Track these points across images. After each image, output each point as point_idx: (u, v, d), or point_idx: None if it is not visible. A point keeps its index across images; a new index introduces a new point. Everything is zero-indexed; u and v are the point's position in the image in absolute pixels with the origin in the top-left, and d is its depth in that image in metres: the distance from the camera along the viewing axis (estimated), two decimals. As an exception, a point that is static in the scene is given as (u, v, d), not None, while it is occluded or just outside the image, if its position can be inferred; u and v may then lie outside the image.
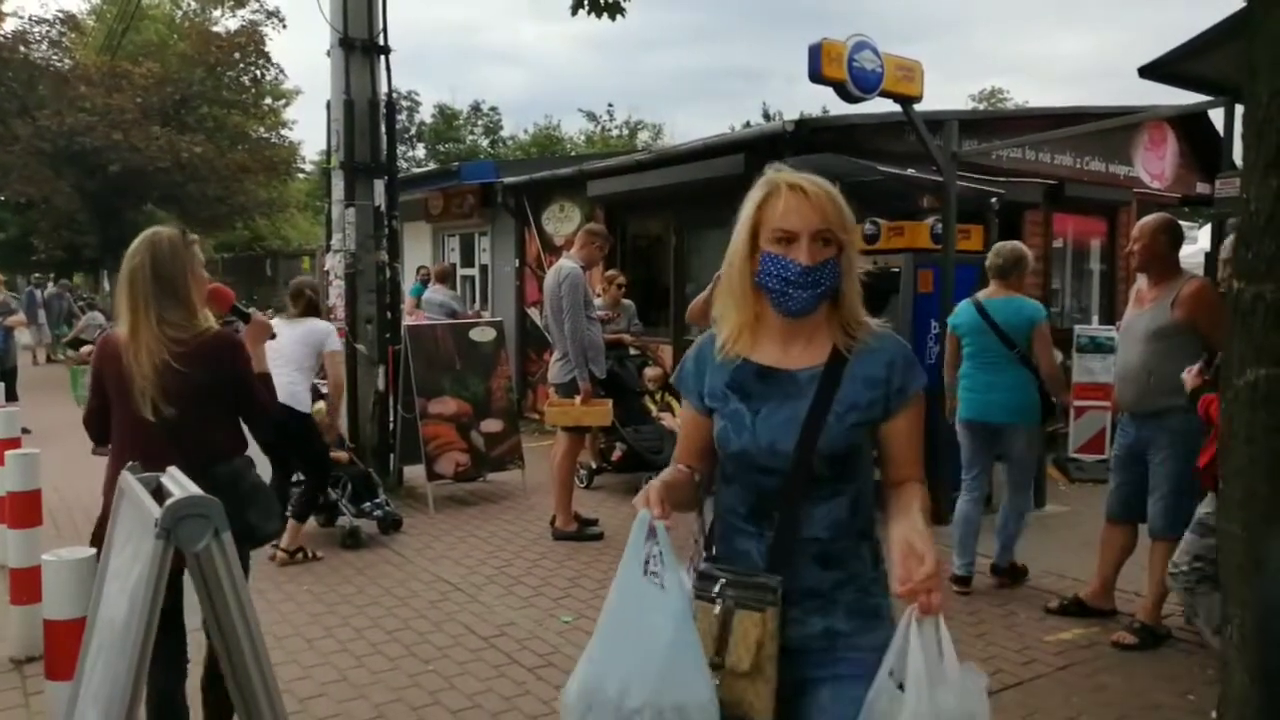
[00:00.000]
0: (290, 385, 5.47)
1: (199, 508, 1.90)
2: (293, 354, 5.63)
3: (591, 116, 38.61)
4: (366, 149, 7.46)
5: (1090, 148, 9.79)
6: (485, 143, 38.40)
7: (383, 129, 7.57)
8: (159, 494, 2.14)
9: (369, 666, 4.21)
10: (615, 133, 37.87)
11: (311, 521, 6.31)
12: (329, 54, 7.50)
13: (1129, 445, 4.56)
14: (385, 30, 7.53)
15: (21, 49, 16.50)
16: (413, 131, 38.34)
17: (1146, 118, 6.74)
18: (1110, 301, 10.24)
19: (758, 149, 7.72)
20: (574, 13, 5.21)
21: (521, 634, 4.55)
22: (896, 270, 6.84)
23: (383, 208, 7.52)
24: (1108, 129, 9.41)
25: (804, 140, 7.39)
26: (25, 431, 10.07)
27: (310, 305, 5.94)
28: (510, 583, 5.31)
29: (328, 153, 7.74)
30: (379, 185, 7.51)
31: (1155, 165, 10.55)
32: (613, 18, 5.22)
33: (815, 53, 6.05)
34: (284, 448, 5.62)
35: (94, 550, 2.51)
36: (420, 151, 38.10)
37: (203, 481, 2.51)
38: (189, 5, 22.99)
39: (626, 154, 12.70)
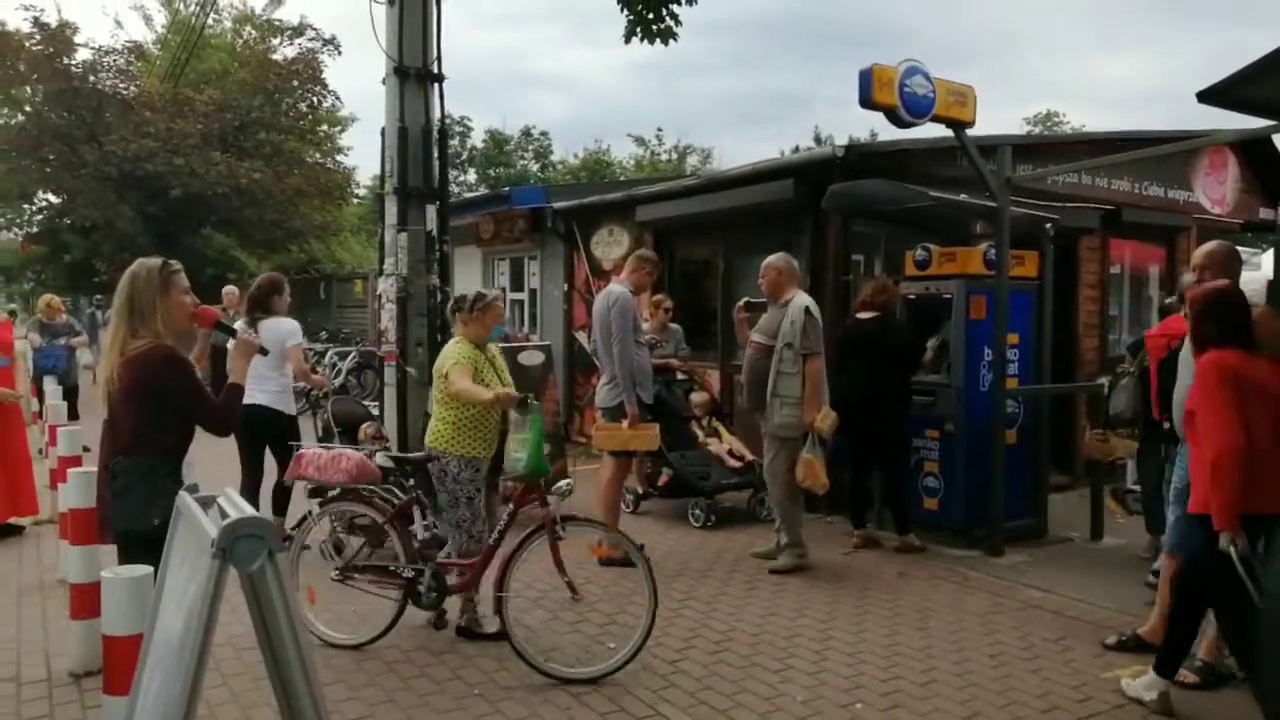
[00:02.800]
0: (263, 385, 5.96)
1: (254, 529, 1.92)
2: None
3: (640, 141, 38.75)
4: (419, 174, 7.55)
5: (1148, 172, 9.61)
6: (535, 167, 38.71)
7: (435, 155, 7.67)
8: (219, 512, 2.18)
9: (415, 689, 4.22)
10: (664, 157, 37.98)
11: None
12: (384, 82, 7.63)
13: (1187, 476, 4.43)
14: (439, 59, 7.63)
15: (91, 78, 17.05)
16: (464, 156, 38.84)
17: (1207, 142, 6.61)
18: (1169, 329, 10.00)
19: (807, 174, 7.69)
20: (627, 40, 5.26)
21: (568, 659, 4.53)
22: (948, 297, 6.77)
23: (434, 232, 7.60)
24: (1165, 154, 9.28)
25: (854, 165, 7.35)
26: (85, 450, 10.33)
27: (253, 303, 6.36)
28: (526, 607, 5.28)
29: (382, 178, 7.85)
30: (431, 210, 7.59)
31: (1216, 190, 10.32)
32: (665, 43, 5.26)
33: (866, 78, 6.03)
34: (265, 447, 6.15)
35: (151, 569, 2.57)
36: (471, 176, 38.54)
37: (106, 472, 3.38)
38: (250, 34, 23.60)
39: (675, 179, 12.73)
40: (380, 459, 5.11)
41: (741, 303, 6.48)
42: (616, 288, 6.23)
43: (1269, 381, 3.70)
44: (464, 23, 60.42)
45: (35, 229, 23.71)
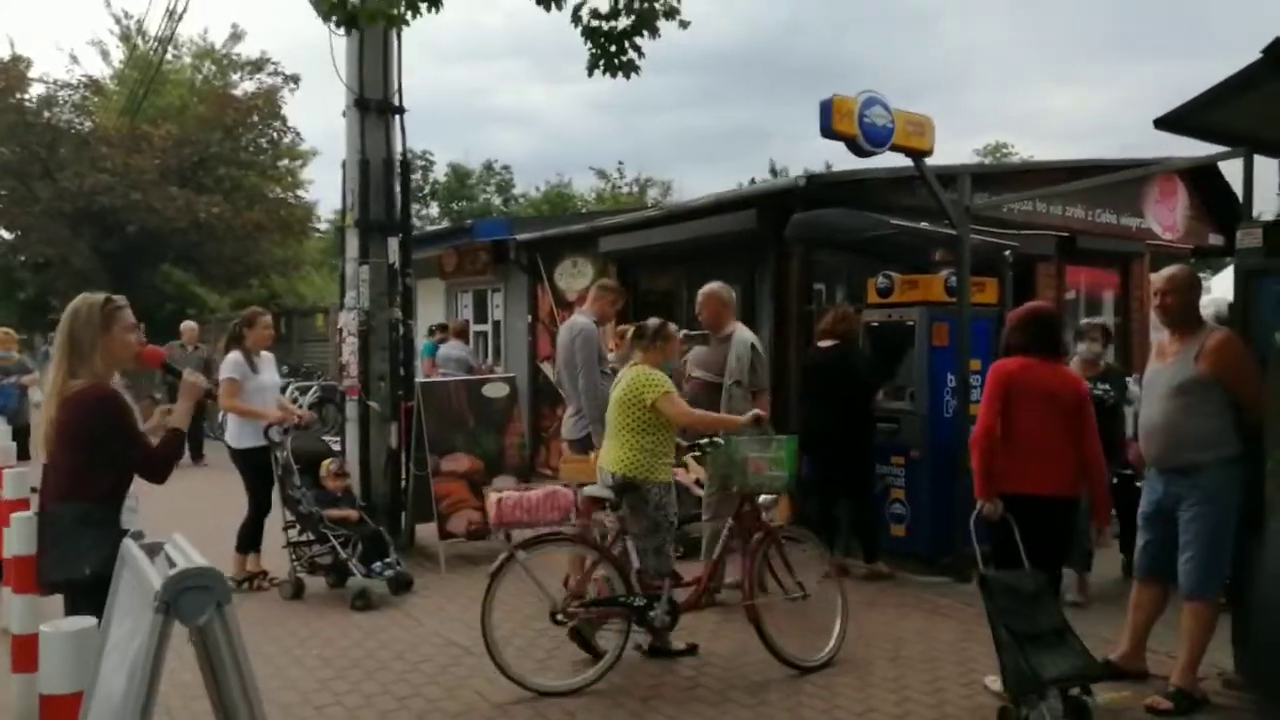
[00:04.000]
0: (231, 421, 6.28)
1: (201, 579, 1.85)
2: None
3: (602, 174, 38.91)
4: (381, 207, 7.50)
5: (1101, 200, 9.78)
6: (498, 200, 38.73)
7: (397, 188, 7.61)
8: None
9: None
10: (625, 190, 38.16)
11: (321, 582, 6.26)
12: (345, 114, 7.58)
13: (1156, 501, 4.45)
14: (400, 91, 7.62)
15: (46, 113, 16.82)
16: (427, 190, 38.76)
17: (1161, 169, 6.74)
18: (1126, 353, 10.14)
19: (769, 205, 7.73)
20: (590, 73, 5.25)
21: (536, 699, 4.43)
22: (911, 324, 6.81)
23: (396, 265, 7.53)
24: (1118, 182, 9.44)
25: (815, 195, 7.40)
26: (34, 490, 10.06)
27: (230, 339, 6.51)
28: (527, 644, 5.19)
29: (343, 211, 7.78)
30: (393, 243, 7.54)
31: (1166, 217, 10.53)
32: (627, 76, 5.26)
33: (826, 108, 6.09)
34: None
35: (95, 620, 2.45)
36: (434, 209, 38.47)
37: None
38: (209, 69, 23.44)
39: (638, 210, 12.76)
40: (589, 490, 4.91)
41: (682, 334, 6.15)
42: (580, 319, 6.19)
43: (1045, 385, 4.35)
44: (425, 59, 60.55)
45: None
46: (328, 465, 6.38)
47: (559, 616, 4.61)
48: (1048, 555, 4.34)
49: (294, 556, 6.19)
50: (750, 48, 69.12)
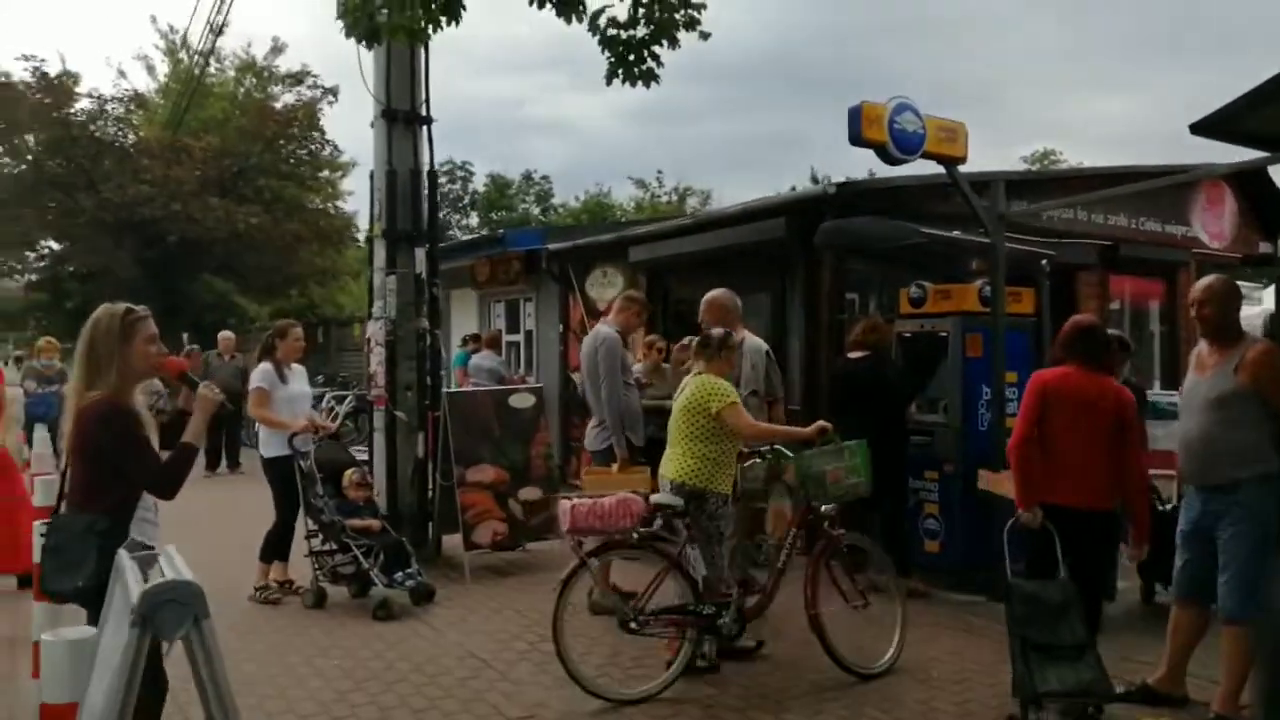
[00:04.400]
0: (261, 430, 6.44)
1: (178, 593, 1.80)
2: None
3: (641, 184, 39.03)
4: (408, 217, 7.51)
5: (1145, 208, 9.55)
6: (537, 210, 38.98)
7: (424, 197, 7.62)
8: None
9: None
10: (664, 199, 38.19)
11: (344, 591, 6.25)
12: (373, 125, 7.61)
13: (1195, 520, 4.28)
14: (427, 102, 7.63)
15: (91, 127, 17.18)
16: (466, 200, 39.12)
17: (1203, 175, 6.55)
18: (1172, 364, 9.88)
19: (799, 213, 7.63)
20: (609, 82, 5.20)
21: (552, 716, 4.37)
22: (944, 334, 6.66)
23: (423, 275, 7.53)
24: (1162, 189, 9.21)
25: (846, 203, 7.28)
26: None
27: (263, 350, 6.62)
28: (544, 659, 5.10)
29: (371, 221, 7.81)
30: (420, 253, 7.54)
31: (1214, 225, 10.25)
32: (647, 85, 5.21)
33: (855, 115, 5.98)
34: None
35: (94, 631, 2.42)
36: (474, 220, 38.81)
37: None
38: (250, 82, 23.82)
39: (671, 219, 12.71)
40: (656, 498, 4.90)
41: (686, 340, 5.96)
42: (604, 329, 6.13)
43: (1082, 395, 4.26)
44: (464, 71, 61.14)
45: (36, 276, 23.81)
46: (350, 475, 6.37)
47: (630, 625, 4.60)
48: (1083, 569, 4.22)
49: (316, 565, 6.18)
50: (788, 55, 68.94)
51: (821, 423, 4.99)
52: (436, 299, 7.74)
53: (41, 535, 3.14)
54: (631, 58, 5.10)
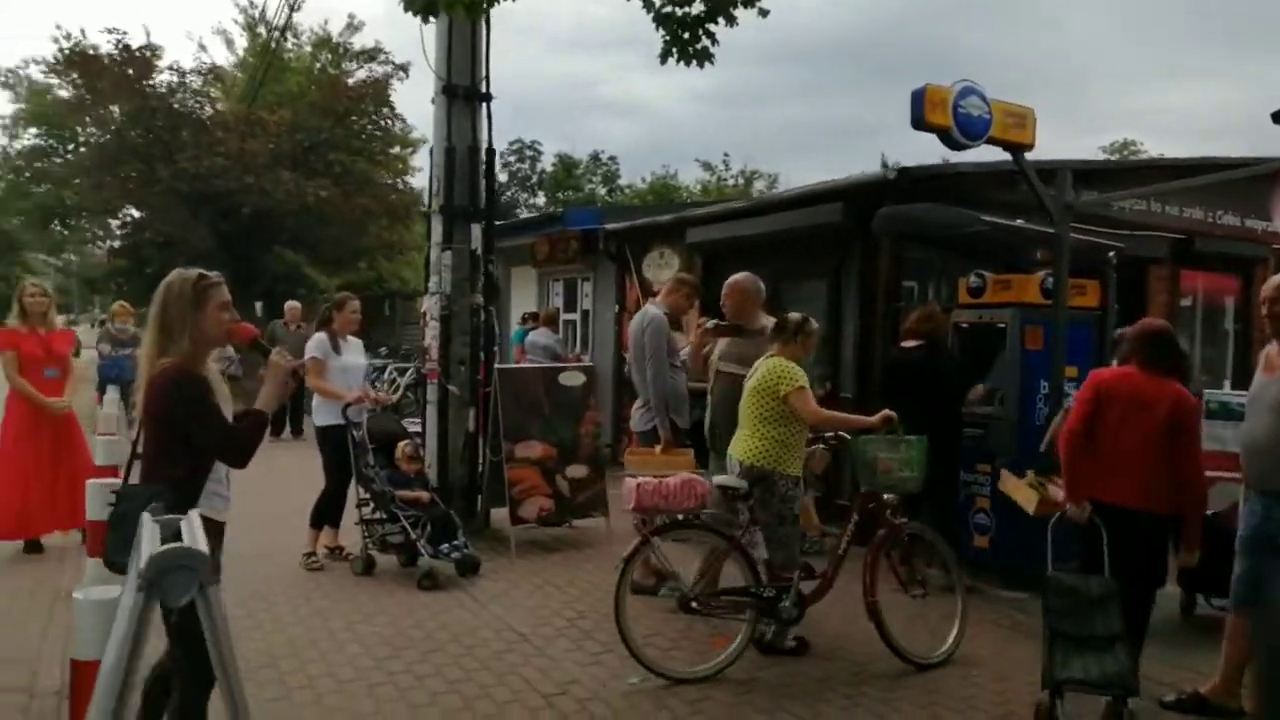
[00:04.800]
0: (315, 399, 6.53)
1: (184, 559, 1.81)
2: None
3: (708, 166, 38.78)
4: (465, 193, 7.56)
5: (1223, 200, 9.17)
6: (603, 191, 39.00)
7: (482, 174, 7.66)
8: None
9: (423, 718, 4.11)
10: (731, 182, 37.91)
11: (392, 560, 6.36)
12: (433, 101, 7.67)
13: (1257, 526, 4.12)
14: (487, 78, 7.65)
15: (170, 100, 17.64)
16: (534, 180, 39.30)
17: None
18: (1245, 364, 9.51)
19: (857, 197, 7.49)
20: (664, 61, 5.15)
21: (584, 693, 4.38)
22: (1002, 326, 6.50)
23: (479, 251, 7.59)
24: (1241, 181, 8.83)
25: (907, 189, 7.12)
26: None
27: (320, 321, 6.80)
28: (581, 636, 5.16)
29: (429, 197, 7.88)
30: (476, 229, 7.59)
31: (1298, 219, 9.81)
32: (701, 65, 5.14)
33: (918, 98, 5.85)
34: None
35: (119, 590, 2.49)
36: (541, 199, 38.99)
37: None
38: (326, 58, 24.20)
39: (731, 202, 12.60)
40: (720, 480, 4.93)
41: (711, 324, 5.86)
42: (652, 309, 6.11)
43: (1137, 395, 4.21)
44: (537, 49, 61.31)
45: (119, 243, 24.58)
46: (403, 447, 6.46)
47: (692, 604, 4.63)
48: (1128, 567, 4.14)
49: (366, 533, 6.30)
50: (863, 39, 67.72)
51: (887, 412, 4.94)
52: (492, 275, 7.79)
53: (109, 504, 3.07)
54: (686, 36, 5.03)
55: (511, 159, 37.59)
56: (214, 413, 3.12)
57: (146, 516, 2.26)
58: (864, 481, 4.93)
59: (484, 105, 7.69)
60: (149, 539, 2.02)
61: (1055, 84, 58.78)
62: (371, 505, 6.33)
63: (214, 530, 3.08)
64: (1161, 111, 58.45)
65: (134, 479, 3.24)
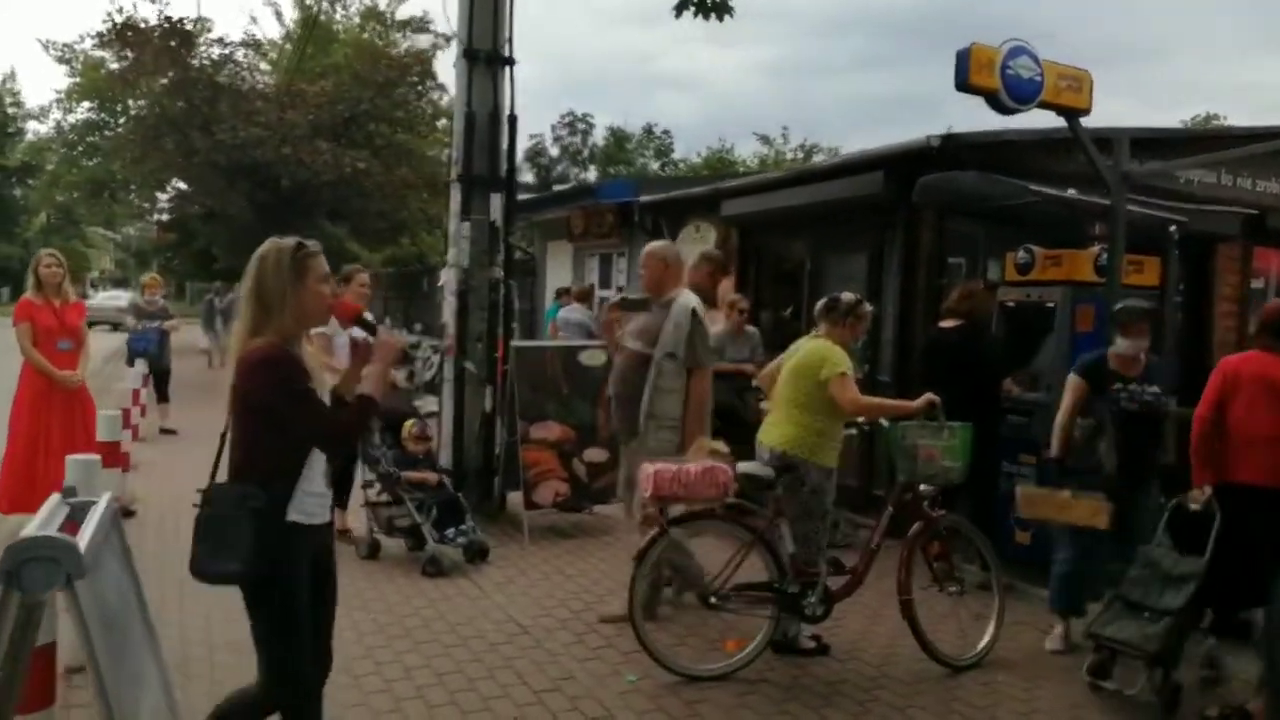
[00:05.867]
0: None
1: (47, 550, 1.62)
2: None
3: (765, 140, 38.07)
4: (485, 162, 7.24)
5: (1302, 174, 8.53)
6: (655, 165, 38.59)
7: (504, 142, 7.35)
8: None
9: (405, 712, 3.87)
10: (789, 156, 37.18)
11: (400, 544, 6.13)
12: (455, 65, 7.37)
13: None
14: (510, 42, 7.31)
15: (211, 71, 17.61)
16: (585, 154, 39.03)
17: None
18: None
19: (899, 167, 7.02)
20: (678, 14, 4.79)
21: (577, 690, 4.11)
22: (1050, 305, 6.04)
23: (498, 223, 7.28)
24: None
25: (951, 157, 6.65)
26: (168, 432, 10.50)
27: None
28: (584, 629, 4.87)
29: (449, 165, 7.60)
30: (496, 199, 7.28)
31: (1384, 194, 9.09)
32: (720, 18, 4.78)
33: (963, 59, 5.46)
34: None
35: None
36: (592, 173, 38.69)
37: None
38: (374, 29, 24.05)
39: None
40: (744, 468, 4.62)
41: (616, 299, 5.57)
42: (672, 285, 5.74)
43: (1266, 375, 4.18)
44: (591, 21, 60.83)
45: (166, 217, 24.81)
46: (409, 427, 6.20)
47: (711, 600, 4.36)
48: (1249, 546, 4.09)
49: (372, 516, 6.07)
50: (933, 8, 66.01)
51: (930, 395, 4.59)
52: (512, 248, 7.49)
53: (195, 505, 2.76)
54: (701, -13, 4.65)
55: (563, 132, 37.35)
56: (311, 396, 2.79)
57: (55, 497, 2.07)
58: (902, 471, 4.59)
59: (506, 69, 7.36)
60: (49, 526, 1.82)
61: (1138, 56, 56.63)
62: (378, 487, 6.10)
63: (310, 537, 2.84)
64: (1256, 87, 56.02)
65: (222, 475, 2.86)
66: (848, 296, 4.74)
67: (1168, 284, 6.36)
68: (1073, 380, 4.81)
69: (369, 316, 3.15)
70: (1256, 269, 8.59)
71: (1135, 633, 4.06)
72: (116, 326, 22.35)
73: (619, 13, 65.43)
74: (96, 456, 4.38)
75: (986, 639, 4.64)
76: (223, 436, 2.85)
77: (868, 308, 4.81)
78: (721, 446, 4.79)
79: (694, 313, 4.94)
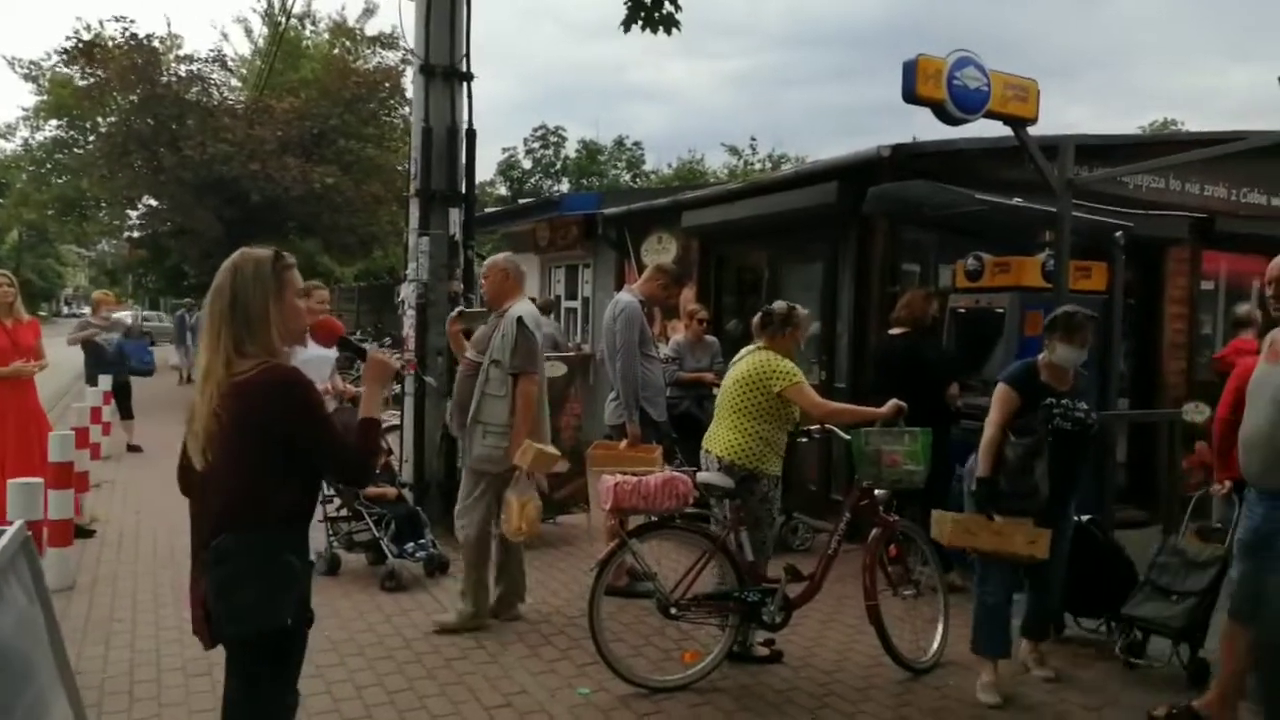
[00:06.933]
0: None
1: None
2: None
3: (734, 150, 38.20)
4: (444, 177, 7.27)
5: (1249, 178, 8.69)
6: (627, 177, 38.62)
7: (462, 157, 7.38)
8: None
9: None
10: (758, 166, 37.35)
11: (361, 559, 6.14)
12: (412, 81, 7.40)
13: (1255, 528, 3.77)
14: (467, 57, 7.36)
15: (175, 85, 17.53)
16: (558, 166, 38.98)
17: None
18: (1273, 350, 9.01)
19: (852, 177, 7.10)
20: (626, 29, 4.84)
21: (529, 705, 4.12)
22: (1000, 311, 6.13)
23: (458, 237, 7.31)
24: (1268, 158, 8.35)
25: (902, 166, 6.74)
26: (134, 449, 10.43)
27: None
28: (539, 642, 4.90)
29: (408, 180, 7.62)
30: (454, 214, 7.32)
31: (1330, 197, 9.27)
32: (669, 32, 4.82)
33: (910, 69, 5.52)
34: None
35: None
36: (565, 185, 38.67)
37: (205, 553, 2.42)
38: (344, 45, 24.00)
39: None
40: (704, 478, 4.65)
41: (454, 313, 5.70)
42: (625, 296, 5.82)
43: None
44: (564, 35, 61.00)
45: (137, 233, 24.60)
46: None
47: (671, 610, 4.35)
48: None
49: (331, 531, 6.07)
50: (898, 21, 66.64)
51: (896, 402, 4.63)
52: (471, 261, 7.52)
53: (208, 563, 2.43)
54: (649, 1, 4.71)
55: (535, 145, 37.29)
56: (331, 423, 2.56)
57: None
58: (865, 476, 4.62)
59: (464, 85, 7.40)
60: None
61: (1098, 65, 57.44)
62: (337, 502, 6.10)
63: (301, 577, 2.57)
64: (1213, 93, 56.89)
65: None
66: (780, 306, 4.72)
67: (1115, 288, 6.46)
68: (1004, 392, 4.35)
69: (351, 336, 2.95)
70: (1205, 271, 8.72)
71: (1158, 612, 4.48)
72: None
73: (590, 26, 65.67)
74: (39, 480, 4.39)
75: (938, 642, 4.70)
76: (207, 476, 2.46)
77: (802, 313, 4.78)
78: (551, 449, 4.88)
79: (519, 321, 4.94)
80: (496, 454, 4.90)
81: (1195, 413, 4.95)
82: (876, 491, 4.62)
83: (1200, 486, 7.25)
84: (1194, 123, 42.97)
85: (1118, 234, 6.43)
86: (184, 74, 18.23)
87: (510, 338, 4.92)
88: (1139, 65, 63.68)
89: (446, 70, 7.31)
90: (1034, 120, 5.90)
